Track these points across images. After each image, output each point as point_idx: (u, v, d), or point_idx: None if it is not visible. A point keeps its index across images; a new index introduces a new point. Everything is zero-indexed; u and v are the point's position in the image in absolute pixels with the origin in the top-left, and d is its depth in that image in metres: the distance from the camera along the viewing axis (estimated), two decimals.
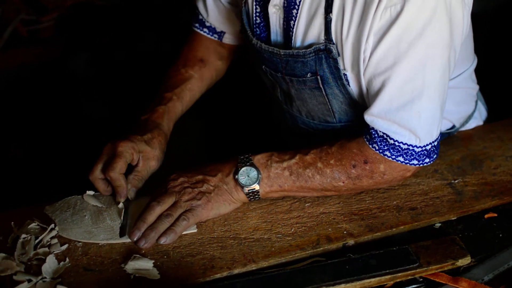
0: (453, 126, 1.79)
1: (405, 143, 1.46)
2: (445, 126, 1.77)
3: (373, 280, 1.35)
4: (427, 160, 1.50)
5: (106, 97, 2.62)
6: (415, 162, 1.48)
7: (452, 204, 1.56)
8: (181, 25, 2.62)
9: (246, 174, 1.51)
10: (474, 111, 1.82)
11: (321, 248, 1.45)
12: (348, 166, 1.50)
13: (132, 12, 2.93)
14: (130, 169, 1.58)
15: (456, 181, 1.63)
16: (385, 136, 1.46)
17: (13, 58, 2.72)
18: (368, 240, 1.48)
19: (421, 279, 1.39)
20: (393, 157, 1.47)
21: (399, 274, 1.37)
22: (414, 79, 1.41)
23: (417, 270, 1.37)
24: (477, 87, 1.83)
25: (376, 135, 1.47)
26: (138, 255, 1.41)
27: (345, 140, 1.52)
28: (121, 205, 1.52)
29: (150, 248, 1.43)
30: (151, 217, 1.46)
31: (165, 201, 1.48)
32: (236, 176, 1.51)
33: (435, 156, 1.51)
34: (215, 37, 1.87)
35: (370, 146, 1.48)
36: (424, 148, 1.47)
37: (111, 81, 2.68)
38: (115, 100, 2.60)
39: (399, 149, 1.46)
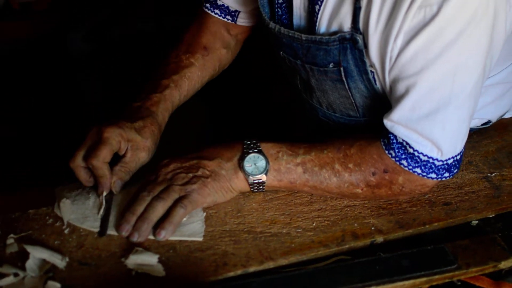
0: (488, 122, 1.64)
1: (425, 155, 1.32)
2: (479, 122, 1.63)
3: (407, 283, 1.21)
4: (446, 174, 1.35)
5: (103, 77, 2.48)
6: (433, 175, 1.34)
7: (489, 200, 1.42)
8: (182, 3, 2.48)
9: (253, 162, 1.36)
10: None
11: (347, 246, 1.30)
12: (367, 172, 1.36)
13: None
14: (117, 160, 1.42)
15: (493, 175, 1.49)
16: (404, 144, 1.32)
17: (4, 31, 2.58)
18: (398, 238, 1.34)
19: (459, 283, 1.25)
20: (410, 167, 1.33)
21: (436, 276, 1.22)
22: (442, 87, 1.26)
23: (456, 272, 1.23)
24: None
25: (395, 140, 1.33)
26: (140, 248, 1.25)
27: (364, 142, 1.38)
28: (101, 198, 1.36)
29: (154, 241, 1.28)
30: (141, 207, 1.30)
31: (156, 189, 1.32)
32: (242, 163, 1.36)
33: (456, 170, 1.36)
34: (228, 19, 1.71)
35: (386, 152, 1.34)
36: (445, 162, 1.33)
37: (109, 61, 2.54)
38: (112, 81, 2.46)
39: (418, 159, 1.32)
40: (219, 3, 1.70)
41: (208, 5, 1.72)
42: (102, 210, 1.34)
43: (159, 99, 1.53)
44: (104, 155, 1.35)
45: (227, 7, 1.70)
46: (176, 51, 1.67)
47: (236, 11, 1.71)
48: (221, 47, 1.73)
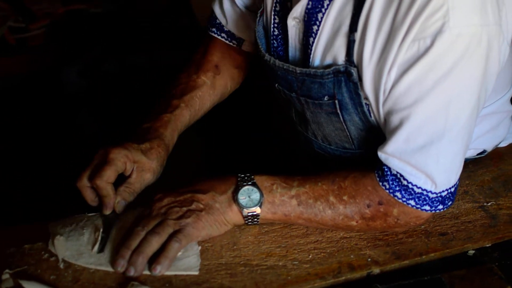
0: (484, 151, 1.64)
1: (419, 187, 1.31)
2: (475, 152, 1.62)
3: None
4: (440, 206, 1.34)
5: (99, 112, 2.48)
6: (427, 207, 1.33)
7: (486, 229, 1.42)
8: (176, 37, 2.48)
9: (247, 195, 1.36)
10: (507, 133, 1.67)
11: (343, 277, 1.29)
12: (362, 205, 1.35)
13: (126, 21, 2.80)
14: (123, 180, 1.42)
15: (489, 204, 1.48)
16: (398, 176, 1.31)
17: (0, 67, 2.58)
18: (395, 269, 1.33)
19: None
20: (404, 199, 1.32)
21: None
22: (436, 120, 1.25)
23: None
24: None
25: (389, 172, 1.32)
26: (136, 283, 1.24)
27: (358, 174, 1.37)
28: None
29: (150, 275, 1.27)
30: (136, 242, 1.29)
31: (151, 224, 1.32)
32: (236, 196, 1.36)
33: (450, 203, 1.36)
34: (233, 43, 1.72)
35: (380, 184, 1.33)
36: (439, 195, 1.32)
37: (104, 95, 2.54)
38: (108, 116, 2.46)
39: (412, 192, 1.31)
40: (225, 29, 1.71)
41: (214, 29, 1.72)
42: (101, 231, 1.34)
43: (169, 119, 1.53)
44: (108, 175, 1.35)
45: (233, 33, 1.71)
46: (186, 71, 1.68)
47: (240, 38, 1.72)
48: (232, 66, 1.74)
